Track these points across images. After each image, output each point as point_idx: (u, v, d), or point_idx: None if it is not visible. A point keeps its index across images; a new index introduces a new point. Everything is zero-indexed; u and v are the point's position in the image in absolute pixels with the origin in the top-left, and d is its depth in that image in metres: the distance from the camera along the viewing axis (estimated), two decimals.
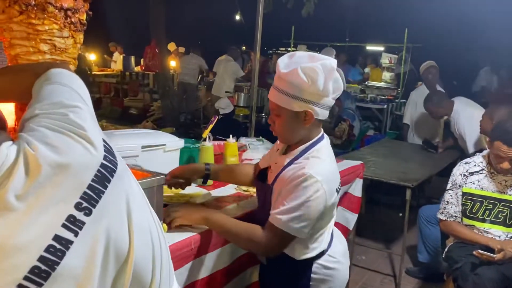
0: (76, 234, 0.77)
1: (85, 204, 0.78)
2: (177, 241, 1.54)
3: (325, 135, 1.67)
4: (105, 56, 13.30)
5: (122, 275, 0.85)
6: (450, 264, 2.70)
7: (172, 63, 10.42)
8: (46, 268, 0.74)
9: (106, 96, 11.26)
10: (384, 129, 7.10)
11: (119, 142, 1.97)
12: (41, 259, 0.73)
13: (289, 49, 11.67)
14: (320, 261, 1.67)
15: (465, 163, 2.81)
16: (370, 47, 12.41)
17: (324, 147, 1.63)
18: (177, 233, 1.58)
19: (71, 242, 0.76)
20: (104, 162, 0.83)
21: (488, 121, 3.45)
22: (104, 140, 0.86)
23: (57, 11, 1.43)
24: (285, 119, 1.56)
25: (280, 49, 15.91)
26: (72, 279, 0.77)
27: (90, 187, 0.79)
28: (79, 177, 0.79)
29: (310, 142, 1.61)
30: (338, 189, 1.63)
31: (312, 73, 1.46)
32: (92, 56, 12.88)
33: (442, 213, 2.80)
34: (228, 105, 5.61)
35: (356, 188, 2.80)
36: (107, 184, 0.82)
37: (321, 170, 1.52)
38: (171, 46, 10.57)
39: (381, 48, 11.01)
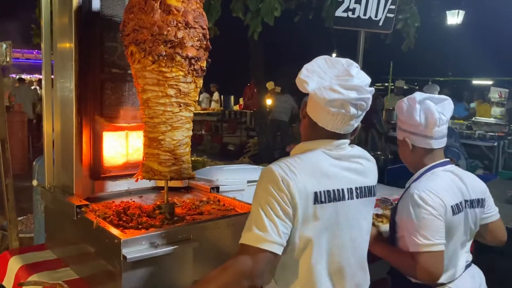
0: (333, 201, 1.37)
1: (348, 193, 1.40)
2: None
3: (454, 165, 1.82)
4: (206, 96, 14.18)
5: None
6: None
7: (268, 102, 10.78)
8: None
9: (208, 133, 11.98)
10: (495, 168, 6.54)
11: (229, 177, 2.11)
12: (322, 192, 1.33)
13: (385, 84, 11.43)
14: None
15: None
16: (476, 81, 11.68)
17: (442, 170, 1.75)
18: None
19: (331, 202, 1.36)
20: (367, 188, 1.47)
21: None
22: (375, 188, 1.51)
23: (183, 60, 1.62)
24: (399, 147, 1.89)
25: (376, 84, 15.67)
26: None
27: (356, 187, 1.43)
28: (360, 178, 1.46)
29: (425, 168, 1.77)
30: (456, 208, 1.67)
31: (400, 105, 1.82)
32: None
33: None
34: None
35: None
36: (367, 197, 1.46)
37: (426, 186, 1.66)
38: (270, 85, 10.95)
39: (489, 82, 10.29)
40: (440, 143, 1.78)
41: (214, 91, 13.63)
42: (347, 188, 1.37)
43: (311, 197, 1.29)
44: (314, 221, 1.30)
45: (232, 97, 12.78)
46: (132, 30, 1.66)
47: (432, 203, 1.61)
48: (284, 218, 1.26)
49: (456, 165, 5.59)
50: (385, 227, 2.10)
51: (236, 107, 12.83)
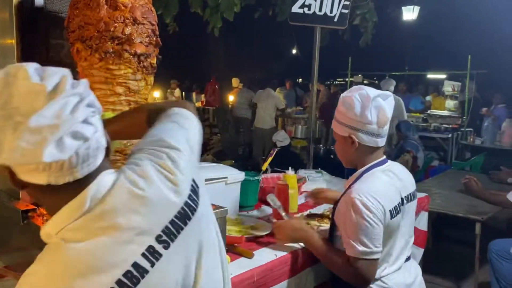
0: (152, 264, 0.83)
1: (164, 238, 0.85)
2: (239, 273, 1.56)
3: (389, 161, 1.75)
4: (168, 91, 13.91)
5: None
6: None
7: (231, 98, 10.73)
8: None
9: None
10: (449, 159, 6.80)
11: None
12: (119, 282, 0.79)
13: (346, 79, 11.63)
14: (372, 284, 1.67)
15: None
16: (431, 75, 12.09)
17: (380, 171, 1.69)
18: (238, 266, 1.61)
19: (147, 272, 0.82)
20: (188, 201, 0.90)
21: None
22: (193, 180, 0.94)
23: (131, 57, 1.57)
24: (338, 142, 1.77)
25: (338, 79, 15.96)
26: None
27: (172, 222, 0.86)
28: (162, 211, 0.86)
29: (366, 167, 1.70)
30: (394, 211, 1.64)
31: (350, 101, 1.66)
32: (156, 94, 13.56)
33: None
34: (285, 137, 5.66)
35: (421, 222, 2.69)
36: (187, 222, 0.89)
37: (366, 189, 1.60)
38: (235, 82, 10.85)
39: (443, 76, 10.68)
40: (384, 142, 1.72)
41: (175, 88, 13.41)
42: None
43: None
44: None
45: (194, 94, 12.63)
46: (78, 26, 1.59)
47: (374, 209, 1.57)
48: None
49: (415, 157, 5.72)
50: (325, 227, 2.00)
51: (199, 104, 12.70)
